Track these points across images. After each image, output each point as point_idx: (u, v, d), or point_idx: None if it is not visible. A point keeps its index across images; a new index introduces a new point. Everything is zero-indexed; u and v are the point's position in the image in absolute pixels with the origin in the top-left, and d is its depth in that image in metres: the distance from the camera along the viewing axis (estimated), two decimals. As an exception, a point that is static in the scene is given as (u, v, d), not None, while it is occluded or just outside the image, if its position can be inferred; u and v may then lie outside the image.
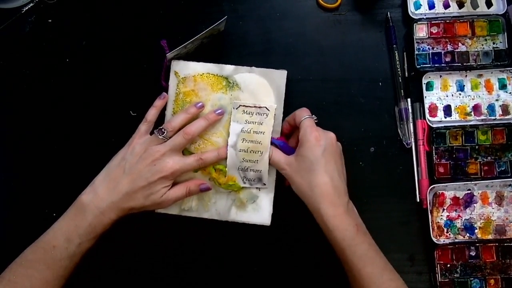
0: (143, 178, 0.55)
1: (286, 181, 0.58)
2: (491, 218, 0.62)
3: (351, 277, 0.52)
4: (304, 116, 0.57)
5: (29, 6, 0.65)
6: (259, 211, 0.60)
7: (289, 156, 0.57)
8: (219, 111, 0.59)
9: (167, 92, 0.61)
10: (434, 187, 0.61)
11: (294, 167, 0.55)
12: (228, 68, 0.61)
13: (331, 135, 0.55)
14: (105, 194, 0.55)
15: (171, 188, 0.57)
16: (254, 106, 0.60)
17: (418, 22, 0.64)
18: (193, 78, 0.61)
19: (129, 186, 0.55)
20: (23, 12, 0.65)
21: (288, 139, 0.61)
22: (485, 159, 0.63)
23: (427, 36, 0.64)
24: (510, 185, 0.62)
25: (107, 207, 0.54)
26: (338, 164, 0.55)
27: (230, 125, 0.59)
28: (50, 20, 0.65)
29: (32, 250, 0.54)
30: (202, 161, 0.58)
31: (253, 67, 0.60)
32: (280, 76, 0.60)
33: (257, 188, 0.60)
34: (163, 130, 0.57)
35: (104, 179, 0.56)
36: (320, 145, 0.53)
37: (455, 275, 0.61)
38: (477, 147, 0.63)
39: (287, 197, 0.60)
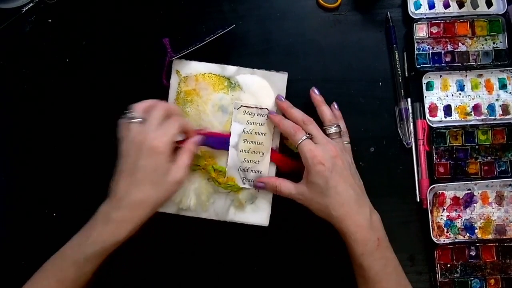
0: (139, 168, 0.49)
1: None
2: (491, 218, 0.62)
3: None
4: (299, 138, 0.54)
5: (29, 6, 0.65)
6: (258, 212, 0.60)
7: (297, 184, 0.56)
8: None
9: (168, 90, 0.61)
10: (434, 187, 0.62)
11: (308, 195, 0.54)
12: (230, 69, 0.61)
13: (330, 148, 0.53)
14: (114, 201, 0.50)
15: (175, 160, 0.51)
16: (255, 107, 0.60)
17: (418, 22, 0.64)
18: (194, 78, 0.61)
19: (128, 182, 0.49)
20: (23, 12, 0.65)
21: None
22: (485, 159, 0.63)
23: (427, 36, 0.64)
24: (510, 185, 0.62)
25: (116, 216, 0.49)
26: (348, 178, 0.53)
27: (231, 125, 0.60)
28: (50, 20, 0.65)
29: (52, 258, 0.50)
30: (183, 121, 0.54)
31: (255, 69, 0.60)
32: (281, 78, 0.60)
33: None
34: (128, 111, 0.52)
35: (113, 184, 0.51)
36: (326, 167, 0.52)
37: (455, 275, 0.61)
38: (477, 147, 0.63)
39: (286, 199, 0.60)
